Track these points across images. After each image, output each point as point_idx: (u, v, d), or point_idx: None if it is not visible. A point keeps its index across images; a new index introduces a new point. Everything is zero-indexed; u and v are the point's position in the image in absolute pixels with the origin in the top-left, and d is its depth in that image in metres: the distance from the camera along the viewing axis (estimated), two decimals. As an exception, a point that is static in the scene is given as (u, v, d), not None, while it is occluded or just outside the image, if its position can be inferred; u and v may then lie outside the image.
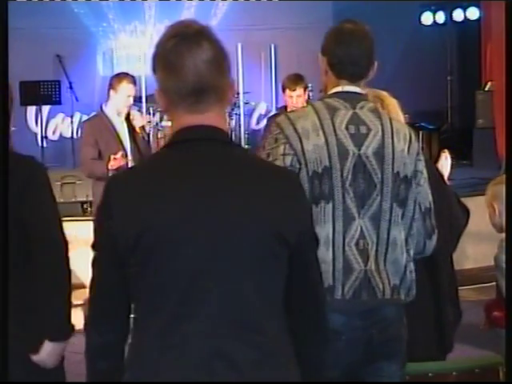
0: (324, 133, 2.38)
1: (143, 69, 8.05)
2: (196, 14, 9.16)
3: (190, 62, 1.70)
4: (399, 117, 2.97)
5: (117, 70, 9.17)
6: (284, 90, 5.90)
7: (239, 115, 8.66)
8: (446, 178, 3.34)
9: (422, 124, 9.41)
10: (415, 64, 9.86)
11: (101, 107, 5.25)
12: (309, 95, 7.65)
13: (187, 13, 9.14)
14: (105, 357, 1.80)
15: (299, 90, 5.85)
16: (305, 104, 5.91)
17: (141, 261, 1.69)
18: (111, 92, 5.07)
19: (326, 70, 2.53)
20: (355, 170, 2.39)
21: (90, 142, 5.10)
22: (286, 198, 1.76)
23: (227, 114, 8.15)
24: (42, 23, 8.61)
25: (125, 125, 5.19)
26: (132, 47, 9.25)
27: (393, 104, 2.97)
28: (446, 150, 3.74)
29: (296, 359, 1.80)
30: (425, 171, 2.54)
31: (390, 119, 2.49)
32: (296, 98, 5.82)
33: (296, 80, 5.87)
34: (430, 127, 9.62)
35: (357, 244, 2.38)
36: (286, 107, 5.88)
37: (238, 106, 8.51)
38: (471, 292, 6.07)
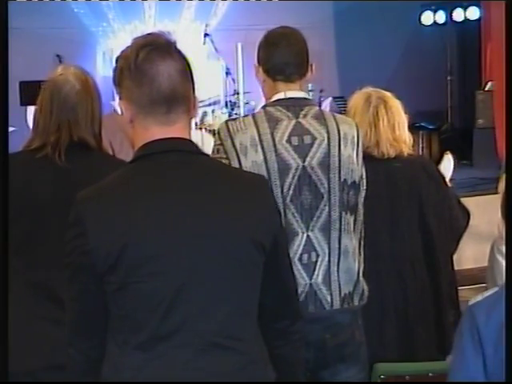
0: (263, 149, 2.36)
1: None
2: (196, 13, 9.15)
3: (164, 70, 1.70)
4: (402, 118, 2.97)
5: (117, 70, 9.18)
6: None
7: (239, 115, 8.65)
8: (448, 179, 3.34)
9: (422, 124, 9.40)
10: (415, 64, 9.85)
11: (114, 108, 5.21)
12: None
13: (187, 13, 9.14)
14: (89, 374, 1.77)
15: None
16: None
17: (122, 277, 1.66)
18: None
19: (264, 79, 2.50)
20: (300, 183, 2.37)
21: (104, 142, 4.99)
22: (259, 204, 1.78)
23: (227, 114, 8.15)
24: (42, 23, 8.59)
25: None
26: (132, 47, 9.24)
27: (396, 105, 2.97)
28: (448, 152, 3.75)
29: (271, 362, 1.83)
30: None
31: (337, 123, 2.44)
32: None
33: None
34: (430, 127, 9.61)
35: (300, 259, 2.38)
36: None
37: (238, 106, 8.50)
38: (471, 292, 6.05)
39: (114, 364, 1.72)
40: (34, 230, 2.39)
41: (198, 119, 7.95)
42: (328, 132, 2.41)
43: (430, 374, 2.58)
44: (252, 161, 2.34)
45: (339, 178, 2.40)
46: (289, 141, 2.38)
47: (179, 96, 1.72)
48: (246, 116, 2.49)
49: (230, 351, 1.71)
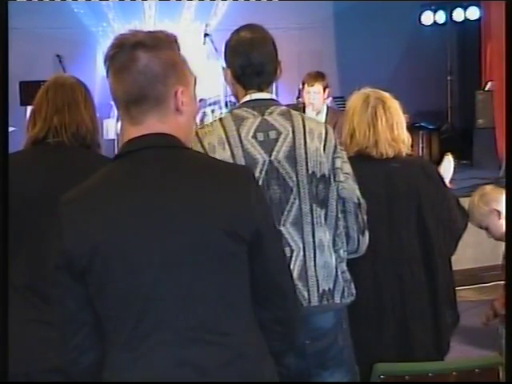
0: (230, 145, 2.37)
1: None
2: (196, 13, 9.16)
3: (119, 76, 1.77)
4: (401, 118, 2.97)
5: (117, 70, 9.16)
6: (303, 86, 5.89)
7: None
8: (448, 180, 3.33)
9: (422, 124, 9.40)
10: (415, 64, 9.85)
11: None
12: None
13: (187, 13, 9.14)
14: (87, 376, 1.79)
15: (317, 87, 5.83)
16: (322, 103, 5.92)
17: (98, 277, 1.68)
18: None
19: (233, 82, 2.50)
20: (268, 178, 2.38)
21: None
22: (238, 195, 1.75)
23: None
24: (42, 23, 8.59)
25: None
26: (132, 47, 9.23)
27: (394, 105, 2.96)
28: (449, 154, 3.75)
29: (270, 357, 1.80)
30: (346, 167, 2.51)
31: (304, 119, 2.46)
32: (313, 95, 5.80)
33: (316, 76, 5.86)
34: (430, 127, 9.61)
35: None
36: (303, 104, 5.88)
37: (238, 106, 8.49)
38: (471, 292, 6.07)
39: (106, 365, 1.74)
40: (25, 231, 2.40)
41: (197, 119, 7.95)
42: (293, 126, 2.43)
43: (430, 374, 2.58)
44: (220, 158, 2.33)
45: (307, 170, 2.40)
46: (254, 136, 2.40)
47: (134, 98, 1.74)
48: (213, 121, 2.51)
49: (213, 346, 1.69)
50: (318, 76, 5.89)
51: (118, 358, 1.71)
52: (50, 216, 2.34)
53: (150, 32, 1.79)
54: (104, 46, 9.19)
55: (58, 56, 8.49)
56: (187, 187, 1.72)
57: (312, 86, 5.82)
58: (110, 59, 1.78)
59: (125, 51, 1.74)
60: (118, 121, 7.99)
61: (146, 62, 1.74)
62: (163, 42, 1.77)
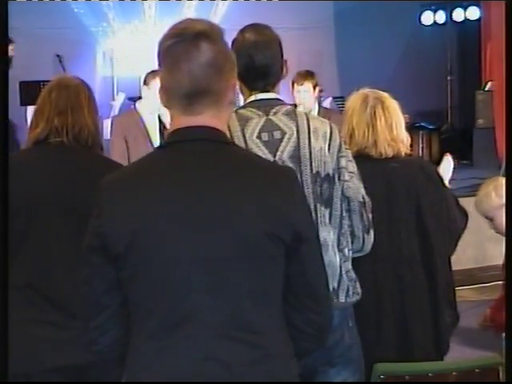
0: None
1: (143, 68, 8.03)
2: (196, 13, 9.16)
3: (184, 65, 1.69)
4: (399, 118, 2.97)
5: (117, 70, 9.18)
6: (293, 86, 5.86)
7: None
8: (447, 181, 3.33)
9: (422, 124, 9.41)
10: (415, 64, 9.86)
11: (134, 105, 5.34)
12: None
13: (187, 12, 9.14)
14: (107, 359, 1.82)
15: (307, 86, 5.79)
16: (313, 102, 5.90)
17: (134, 264, 1.67)
18: (144, 88, 5.08)
19: (238, 82, 2.51)
20: None
21: (119, 136, 5.06)
22: (280, 196, 1.73)
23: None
24: (42, 23, 8.59)
25: (157, 122, 5.11)
26: (132, 47, 9.24)
27: (393, 105, 2.96)
28: (448, 154, 3.74)
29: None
30: (351, 166, 2.50)
31: (308, 119, 2.45)
32: (303, 94, 5.76)
33: (305, 75, 5.81)
34: (430, 127, 9.61)
35: None
36: (295, 105, 5.86)
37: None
38: (471, 292, 6.06)
39: (132, 352, 1.73)
40: (29, 231, 2.40)
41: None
42: (297, 126, 2.42)
43: (430, 374, 2.58)
44: None
45: (311, 170, 2.39)
46: (259, 137, 2.39)
47: (202, 90, 1.71)
48: None
49: (241, 344, 1.68)
50: (308, 75, 5.85)
51: (144, 347, 1.70)
52: (53, 215, 2.36)
53: (207, 22, 1.74)
54: (104, 45, 9.20)
55: (57, 56, 8.48)
56: (230, 184, 1.71)
57: (301, 84, 5.78)
58: (168, 48, 1.71)
59: (187, 41, 1.69)
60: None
61: (211, 53, 1.70)
62: (219, 34, 1.74)
